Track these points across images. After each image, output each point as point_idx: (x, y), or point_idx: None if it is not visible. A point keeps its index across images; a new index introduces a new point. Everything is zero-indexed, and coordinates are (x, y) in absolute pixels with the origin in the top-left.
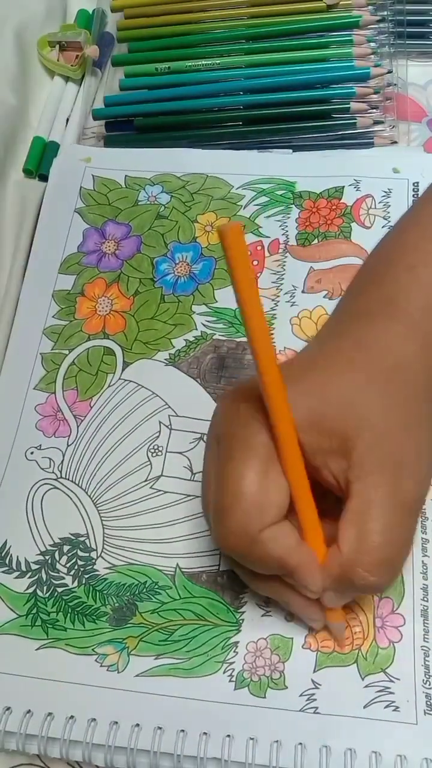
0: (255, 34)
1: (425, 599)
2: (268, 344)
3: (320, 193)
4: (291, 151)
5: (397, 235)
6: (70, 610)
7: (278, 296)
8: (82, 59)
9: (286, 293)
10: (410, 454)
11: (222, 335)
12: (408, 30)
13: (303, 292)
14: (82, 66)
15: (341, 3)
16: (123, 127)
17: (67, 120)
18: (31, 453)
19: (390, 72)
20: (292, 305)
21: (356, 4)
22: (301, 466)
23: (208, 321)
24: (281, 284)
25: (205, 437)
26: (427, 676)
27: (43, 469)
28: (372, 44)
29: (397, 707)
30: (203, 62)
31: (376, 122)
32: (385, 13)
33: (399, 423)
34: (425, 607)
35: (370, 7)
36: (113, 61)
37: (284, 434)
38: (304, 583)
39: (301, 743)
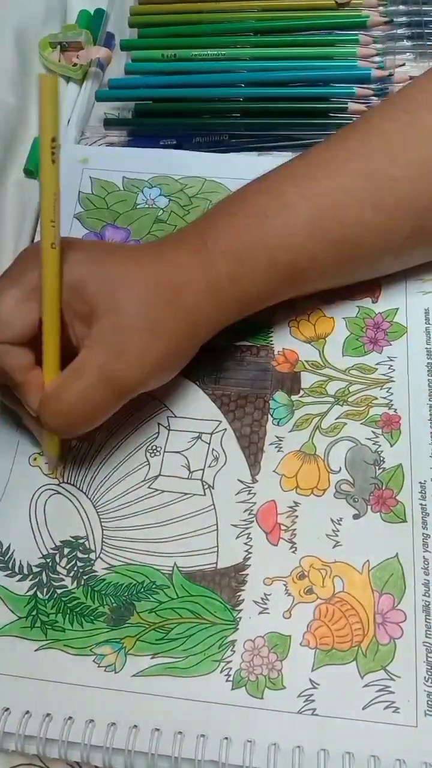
0: (263, 28)
1: (427, 594)
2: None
3: None
4: (291, 153)
5: (241, 189)
6: (69, 611)
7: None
8: (89, 61)
9: None
10: (136, 350)
11: (221, 339)
12: (426, 31)
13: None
14: (83, 66)
15: (352, 2)
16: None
17: (68, 121)
18: (34, 459)
19: (391, 75)
20: (291, 310)
21: (367, 3)
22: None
23: None
24: None
25: (203, 436)
26: (429, 674)
27: (46, 474)
28: (378, 45)
29: (397, 708)
30: (209, 52)
31: None
32: (402, 19)
33: (143, 325)
34: (427, 603)
35: (381, 8)
36: (122, 45)
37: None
38: (24, 399)
39: (298, 746)
